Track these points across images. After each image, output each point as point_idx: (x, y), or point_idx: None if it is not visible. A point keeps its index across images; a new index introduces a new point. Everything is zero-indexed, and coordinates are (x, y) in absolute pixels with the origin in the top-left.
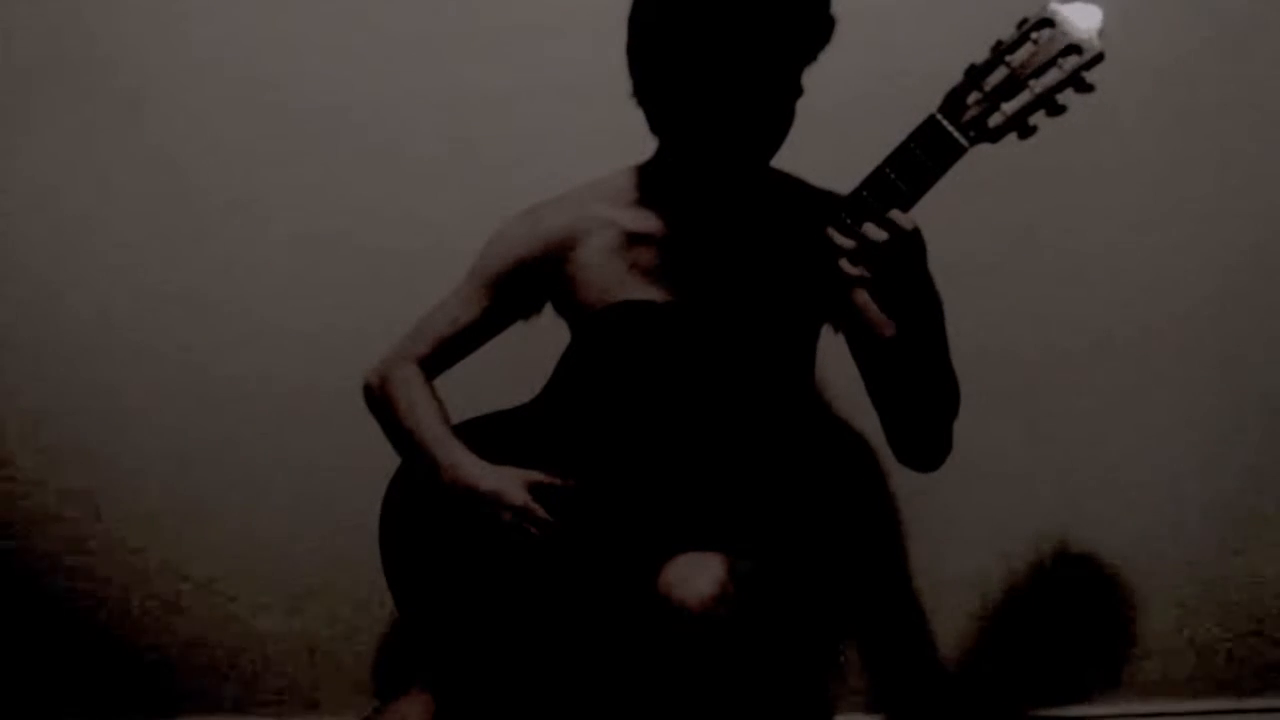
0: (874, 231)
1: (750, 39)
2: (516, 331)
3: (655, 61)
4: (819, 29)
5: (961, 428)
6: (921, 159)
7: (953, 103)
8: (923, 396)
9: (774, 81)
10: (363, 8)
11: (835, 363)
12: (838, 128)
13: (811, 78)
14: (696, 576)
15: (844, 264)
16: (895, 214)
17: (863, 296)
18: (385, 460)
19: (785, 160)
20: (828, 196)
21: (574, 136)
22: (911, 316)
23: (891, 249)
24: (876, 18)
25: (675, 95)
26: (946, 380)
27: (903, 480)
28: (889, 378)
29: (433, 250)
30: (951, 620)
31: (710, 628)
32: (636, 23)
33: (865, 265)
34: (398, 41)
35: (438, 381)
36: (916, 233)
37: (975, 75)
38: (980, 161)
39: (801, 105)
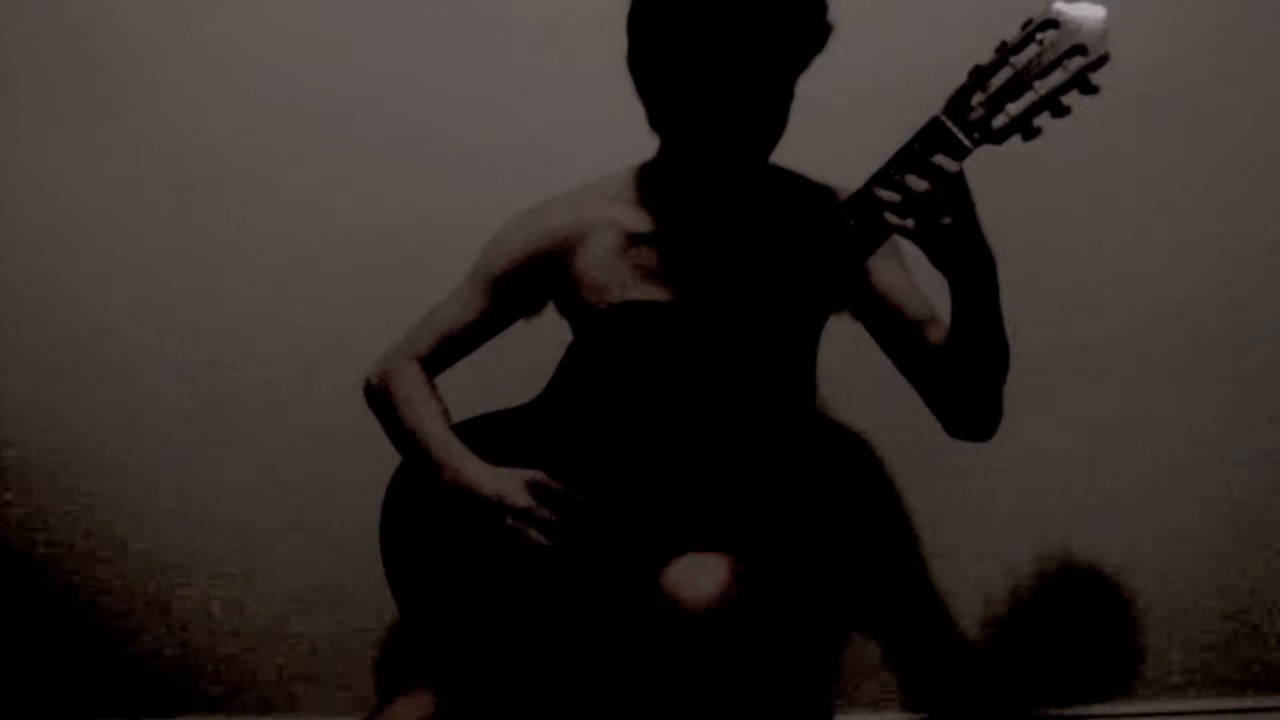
0: (917, 182)
1: (746, 39)
2: (518, 330)
3: (653, 61)
4: (814, 34)
5: None
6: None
7: (957, 103)
8: (979, 355)
9: (768, 83)
10: (363, 6)
11: (837, 364)
12: (842, 128)
13: (817, 78)
14: (700, 577)
15: (890, 216)
16: (940, 159)
17: (885, 279)
18: (387, 458)
19: (790, 161)
20: (827, 190)
21: (576, 136)
22: (965, 268)
23: (938, 197)
24: (881, 18)
25: (673, 94)
26: (1000, 338)
27: (906, 483)
28: (940, 344)
29: (436, 248)
30: (955, 620)
31: (713, 628)
32: (635, 23)
33: (913, 216)
34: (399, 40)
35: (438, 380)
36: (960, 176)
37: (979, 76)
38: (979, 163)
39: (807, 105)
